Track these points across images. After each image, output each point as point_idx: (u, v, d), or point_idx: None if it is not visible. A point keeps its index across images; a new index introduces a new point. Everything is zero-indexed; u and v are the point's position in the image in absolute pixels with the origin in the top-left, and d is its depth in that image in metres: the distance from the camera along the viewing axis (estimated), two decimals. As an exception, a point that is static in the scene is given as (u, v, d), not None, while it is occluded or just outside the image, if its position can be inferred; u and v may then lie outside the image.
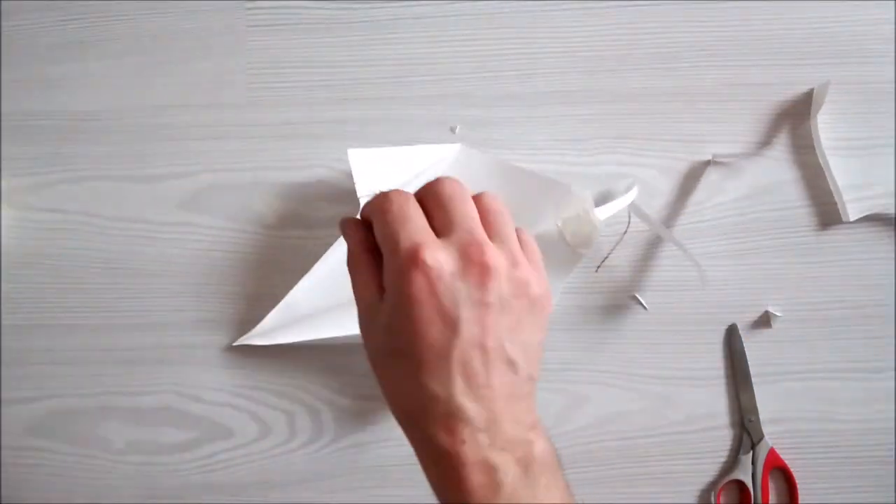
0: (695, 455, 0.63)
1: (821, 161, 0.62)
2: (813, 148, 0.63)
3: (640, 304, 0.63)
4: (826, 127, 0.62)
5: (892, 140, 0.62)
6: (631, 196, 0.60)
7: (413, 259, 0.30)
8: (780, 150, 0.63)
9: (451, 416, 0.32)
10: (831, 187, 0.62)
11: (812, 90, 0.62)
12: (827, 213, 0.63)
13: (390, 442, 0.63)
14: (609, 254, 0.63)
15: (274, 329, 0.61)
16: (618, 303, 0.63)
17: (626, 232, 0.63)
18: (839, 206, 0.62)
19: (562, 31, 0.63)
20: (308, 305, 0.61)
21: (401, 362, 0.32)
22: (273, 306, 0.62)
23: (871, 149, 0.63)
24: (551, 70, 0.63)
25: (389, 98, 0.64)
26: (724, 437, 0.63)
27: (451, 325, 0.31)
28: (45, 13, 0.64)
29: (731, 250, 0.63)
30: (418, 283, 0.30)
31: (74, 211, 0.64)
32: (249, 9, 0.64)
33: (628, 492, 0.63)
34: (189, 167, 0.64)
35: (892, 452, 0.63)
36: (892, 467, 0.63)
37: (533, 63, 0.63)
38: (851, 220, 0.61)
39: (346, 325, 0.59)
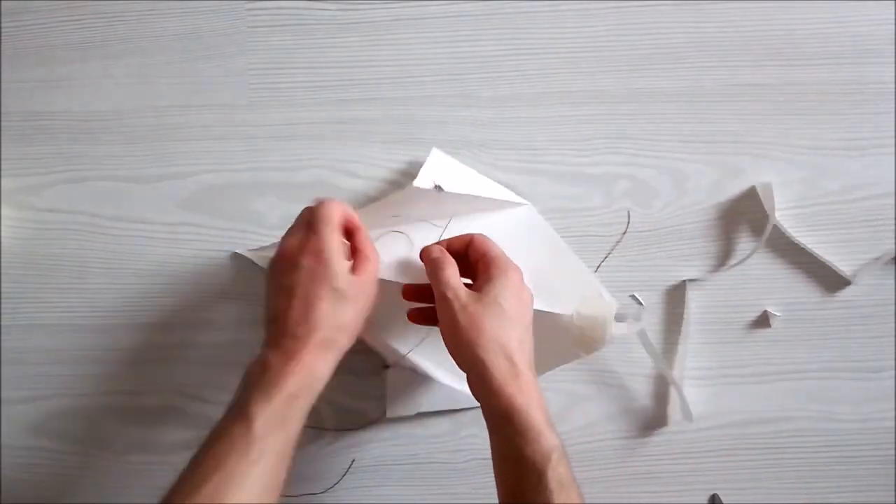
0: (695, 455, 0.63)
1: (802, 246, 0.62)
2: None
3: (641, 304, 0.63)
4: (826, 127, 0.63)
5: (892, 140, 0.63)
6: (644, 322, 0.61)
7: None
8: (749, 248, 0.63)
9: None
10: (823, 260, 0.62)
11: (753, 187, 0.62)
12: (825, 213, 0.63)
13: (390, 442, 0.63)
14: (609, 254, 0.63)
15: None
16: (618, 303, 0.63)
17: (625, 232, 0.63)
18: (839, 271, 0.62)
19: (562, 31, 0.63)
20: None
21: None
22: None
23: (871, 149, 0.63)
24: (551, 70, 0.63)
25: (389, 98, 0.64)
26: (722, 437, 0.63)
27: None
28: (46, 14, 0.64)
29: (731, 250, 0.63)
30: None
31: (74, 211, 0.64)
32: (250, 10, 0.64)
33: (628, 492, 0.63)
34: (189, 167, 0.64)
35: (892, 452, 0.63)
36: (892, 467, 0.63)
37: (533, 63, 0.63)
38: (858, 284, 0.62)
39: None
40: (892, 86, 0.63)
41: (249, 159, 0.64)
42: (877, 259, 0.62)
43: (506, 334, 0.47)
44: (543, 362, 0.55)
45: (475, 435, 0.63)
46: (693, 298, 0.63)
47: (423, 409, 0.62)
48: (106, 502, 0.64)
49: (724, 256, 0.63)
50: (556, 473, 0.43)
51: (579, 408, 0.63)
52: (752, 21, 0.63)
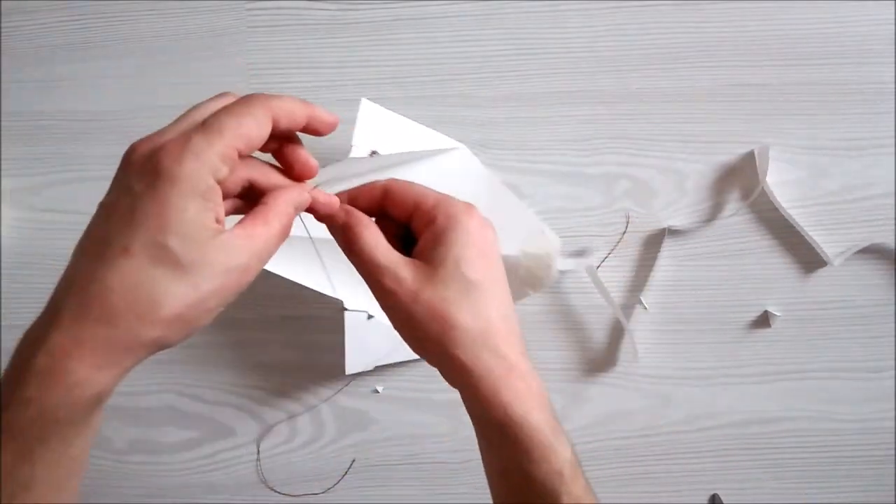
0: (695, 455, 0.63)
1: (787, 218, 0.62)
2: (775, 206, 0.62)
3: (641, 304, 0.63)
4: (826, 127, 0.63)
5: (892, 140, 0.63)
6: (595, 259, 0.60)
7: None
8: (738, 209, 0.63)
9: None
10: (806, 238, 0.62)
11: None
12: (825, 213, 0.63)
13: (390, 442, 0.63)
14: (609, 254, 0.63)
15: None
16: (617, 303, 0.63)
17: (625, 232, 0.63)
18: (819, 252, 0.62)
19: (562, 31, 0.63)
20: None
21: None
22: (274, 307, 0.62)
23: (871, 149, 0.63)
24: (551, 70, 0.63)
25: (389, 98, 0.64)
26: (722, 437, 0.63)
27: None
28: (46, 14, 0.64)
29: (731, 250, 0.63)
30: None
31: (74, 211, 0.64)
32: (250, 10, 0.64)
33: (628, 492, 0.63)
34: (189, 167, 0.64)
35: (892, 452, 0.63)
36: (892, 467, 0.63)
37: (533, 63, 0.63)
38: (834, 264, 0.61)
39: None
40: (892, 86, 0.63)
41: (249, 159, 0.64)
42: (876, 258, 0.62)
43: (485, 316, 0.34)
44: None
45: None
46: (693, 296, 0.63)
47: (382, 361, 0.59)
48: (106, 502, 0.64)
49: (723, 255, 0.63)
50: (572, 496, 0.34)
51: (579, 408, 0.63)
52: (751, 21, 0.63)
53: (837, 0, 0.63)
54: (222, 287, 0.30)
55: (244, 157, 0.31)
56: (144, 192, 0.29)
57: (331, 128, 0.34)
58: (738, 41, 0.63)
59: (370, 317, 0.57)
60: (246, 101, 0.31)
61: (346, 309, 0.57)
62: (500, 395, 0.33)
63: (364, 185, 0.36)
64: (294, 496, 0.64)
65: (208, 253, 0.29)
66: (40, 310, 0.66)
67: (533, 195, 0.63)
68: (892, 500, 0.63)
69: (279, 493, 0.64)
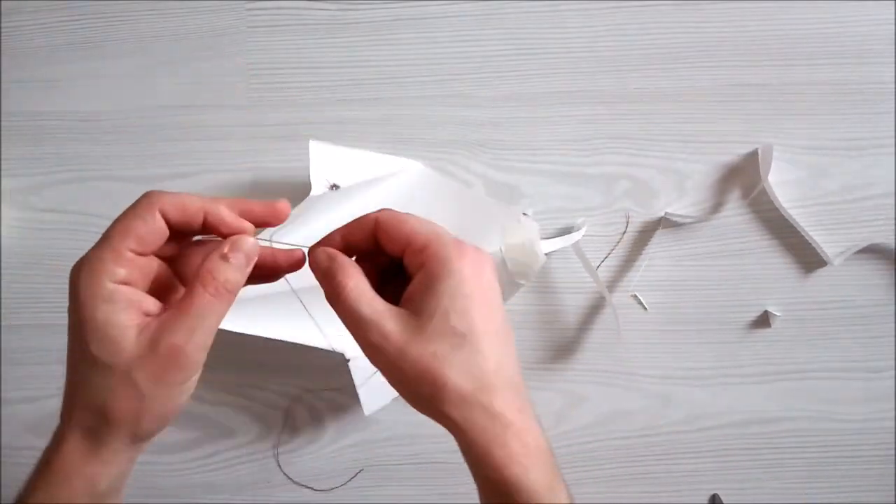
0: (695, 455, 0.63)
1: (787, 218, 0.62)
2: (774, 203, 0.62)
3: (641, 304, 0.63)
4: (826, 127, 0.63)
5: (892, 140, 0.63)
6: (578, 235, 0.60)
7: None
8: (738, 208, 0.63)
9: None
10: (806, 238, 0.62)
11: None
12: (825, 213, 0.63)
13: (390, 442, 0.63)
14: (609, 254, 0.63)
15: None
16: (618, 303, 0.63)
17: (625, 232, 0.63)
18: (819, 252, 0.62)
19: (562, 31, 0.63)
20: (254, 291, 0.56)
21: None
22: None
23: (871, 149, 0.63)
24: (551, 70, 0.63)
25: (389, 98, 0.64)
26: (722, 437, 0.63)
27: None
28: (46, 14, 0.64)
29: (731, 250, 0.63)
30: None
31: (74, 211, 0.64)
32: (250, 10, 0.64)
33: (628, 492, 0.63)
34: (189, 167, 0.64)
35: (892, 452, 0.63)
36: (892, 467, 0.63)
37: (533, 63, 0.63)
38: (834, 263, 0.61)
39: (290, 326, 0.57)
40: (892, 86, 0.63)
41: (249, 159, 0.64)
42: (876, 258, 0.62)
43: (477, 372, 0.32)
44: None
45: (475, 435, 0.63)
46: (693, 296, 0.63)
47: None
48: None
49: (723, 254, 0.63)
50: None
51: (579, 408, 0.63)
52: (752, 21, 0.63)
53: (837, 0, 0.63)
54: (161, 370, 0.31)
55: (148, 253, 0.33)
56: (69, 310, 0.33)
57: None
58: (738, 41, 0.63)
59: None
60: (135, 202, 0.33)
61: (349, 360, 0.57)
62: (493, 456, 0.33)
63: (357, 220, 0.35)
64: (293, 496, 0.64)
65: (131, 347, 0.31)
66: (40, 310, 0.66)
67: (533, 195, 0.63)
68: (892, 500, 0.63)
69: (300, 484, 0.64)
